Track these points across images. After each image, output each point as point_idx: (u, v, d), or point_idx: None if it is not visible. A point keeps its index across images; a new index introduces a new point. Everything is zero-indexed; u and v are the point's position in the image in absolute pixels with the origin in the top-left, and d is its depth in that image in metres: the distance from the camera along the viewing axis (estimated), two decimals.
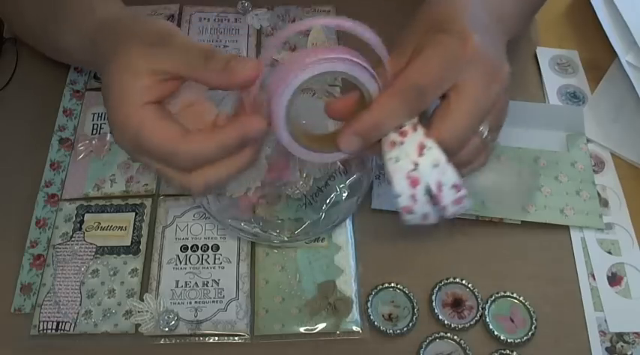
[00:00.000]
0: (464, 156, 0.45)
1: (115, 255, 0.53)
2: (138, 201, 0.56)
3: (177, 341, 0.49)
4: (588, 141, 0.60)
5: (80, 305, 0.51)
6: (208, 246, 0.53)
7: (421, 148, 0.42)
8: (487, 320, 0.50)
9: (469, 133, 0.44)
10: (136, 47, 0.42)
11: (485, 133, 0.45)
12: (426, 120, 0.44)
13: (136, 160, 0.45)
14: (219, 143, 0.41)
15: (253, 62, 0.41)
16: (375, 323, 0.50)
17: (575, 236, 0.55)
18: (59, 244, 0.53)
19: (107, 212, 0.55)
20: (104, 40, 0.47)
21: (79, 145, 0.59)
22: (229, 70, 0.40)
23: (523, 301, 0.51)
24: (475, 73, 0.43)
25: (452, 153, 0.43)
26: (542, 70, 0.65)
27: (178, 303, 0.51)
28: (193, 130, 0.42)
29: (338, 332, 0.50)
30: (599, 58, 0.66)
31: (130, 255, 0.53)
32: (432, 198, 0.43)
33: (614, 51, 0.64)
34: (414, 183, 0.42)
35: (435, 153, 0.42)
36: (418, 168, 0.42)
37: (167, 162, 0.42)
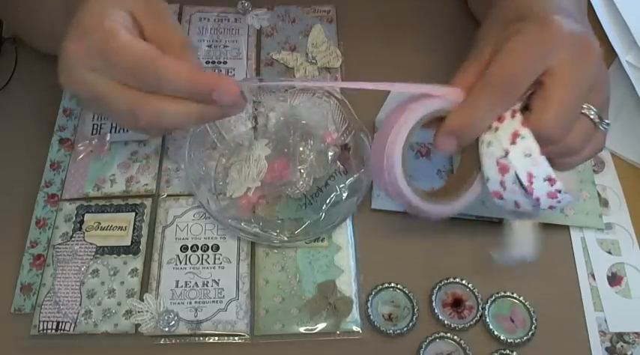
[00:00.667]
0: (573, 143, 0.43)
1: (115, 255, 0.53)
2: (138, 201, 0.56)
3: (177, 341, 0.49)
4: None
5: (80, 305, 0.51)
6: (208, 246, 0.53)
7: (515, 136, 0.41)
8: (487, 320, 0.50)
9: (571, 118, 0.42)
10: None
11: (593, 114, 0.43)
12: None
13: (82, 81, 0.42)
14: (193, 79, 0.40)
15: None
16: (375, 323, 0.50)
17: (575, 236, 0.55)
18: (59, 244, 0.53)
19: (107, 212, 0.55)
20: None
21: (79, 145, 0.59)
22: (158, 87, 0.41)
23: (523, 301, 0.51)
24: (564, 53, 0.41)
25: (556, 140, 0.42)
26: None
27: (178, 303, 0.51)
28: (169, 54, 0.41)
29: (338, 332, 0.50)
30: None
31: (130, 255, 0.53)
32: (523, 188, 0.42)
33: (614, 51, 0.64)
34: (503, 169, 0.42)
35: (527, 143, 0.41)
36: (508, 156, 0.41)
37: (134, 75, 0.40)
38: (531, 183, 0.42)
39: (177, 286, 0.51)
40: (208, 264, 0.52)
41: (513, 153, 0.41)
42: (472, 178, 0.45)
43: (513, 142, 0.41)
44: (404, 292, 0.51)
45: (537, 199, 0.42)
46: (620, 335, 0.50)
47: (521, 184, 0.42)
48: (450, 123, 0.42)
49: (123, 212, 0.55)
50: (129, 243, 0.53)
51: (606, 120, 0.44)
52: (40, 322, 0.50)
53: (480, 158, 0.43)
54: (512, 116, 0.41)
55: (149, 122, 0.43)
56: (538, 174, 0.41)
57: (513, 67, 0.41)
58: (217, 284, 0.51)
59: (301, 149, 0.55)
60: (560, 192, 0.42)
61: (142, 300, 0.51)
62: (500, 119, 0.42)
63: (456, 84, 0.44)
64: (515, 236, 0.46)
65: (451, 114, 0.42)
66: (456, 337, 0.49)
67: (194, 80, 0.40)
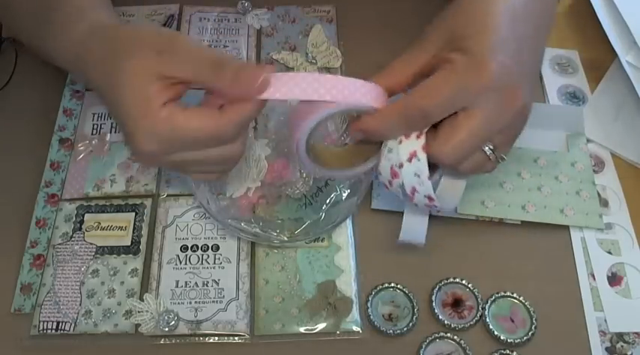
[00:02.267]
0: (464, 169, 0.45)
1: (115, 255, 0.53)
2: (138, 201, 0.56)
3: (177, 341, 0.49)
4: (588, 141, 0.60)
5: (80, 305, 0.51)
6: (208, 246, 0.53)
7: (412, 155, 0.44)
8: (487, 320, 0.50)
9: (469, 152, 0.44)
10: (141, 53, 0.42)
11: (490, 152, 0.45)
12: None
13: (164, 163, 0.45)
14: (255, 107, 0.43)
15: (261, 73, 0.41)
16: (375, 323, 0.50)
17: (575, 236, 0.55)
18: (59, 244, 0.53)
19: (107, 212, 0.55)
20: (98, 48, 0.46)
21: (79, 145, 0.59)
22: (239, 82, 0.41)
23: (523, 301, 0.51)
24: (487, 101, 0.42)
25: (450, 166, 0.45)
26: (542, 70, 0.65)
27: (178, 303, 0.51)
28: (226, 105, 0.43)
29: (338, 332, 0.49)
30: (599, 58, 0.66)
31: (130, 255, 0.53)
32: (405, 194, 0.46)
33: (614, 51, 0.64)
34: (394, 175, 0.45)
35: (420, 166, 0.44)
36: (401, 169, 0.44)
37: (213, 140, 0.43)
38: (413, 195, 0.46)
39: (177, 286, 0.51)
40: (208, 263, 0.52)
41: (406, 169, 0.44)
42: (371, 156, 0.48)
43: (409, 160, 0.44)
44: (404, 292, 0.51)
45: (415, 204, 0.47)
46: (620, 335, 0.50)
47: (404, 191, 0.46)
48: (363, 124, 0.45)
49: (123, 212, 0.55)
50: (129, 243, 0.53)
51: (503, 156, 0.46)
52: (40, 322, 0.50)
53: (380, 150, 0.46)
54: (418, 137, 0.44)
55: (239, 157, 0.47)
56: (421, 191, 0.45)
57: (434, 102, 0.42)
58: (217, 284, 0.51)
59: None
60: (436, 206, 0.46)
61: (142, 300, 0.51)
62: (406, 134, 0.44)
63: (390, 73, 0.45)
64: (405, 221, 0.51)
65: (367, 118, 0.44)
66: (456, 337, 0.49)
67: (255, 107, 0.43)
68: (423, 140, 0.44)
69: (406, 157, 0.44)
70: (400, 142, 0.44)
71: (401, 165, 0.44)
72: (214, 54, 0.43)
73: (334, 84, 0.42)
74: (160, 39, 0.43)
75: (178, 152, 0.43)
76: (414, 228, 0.51)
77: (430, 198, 0.45)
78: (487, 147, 0.44)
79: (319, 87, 0.42)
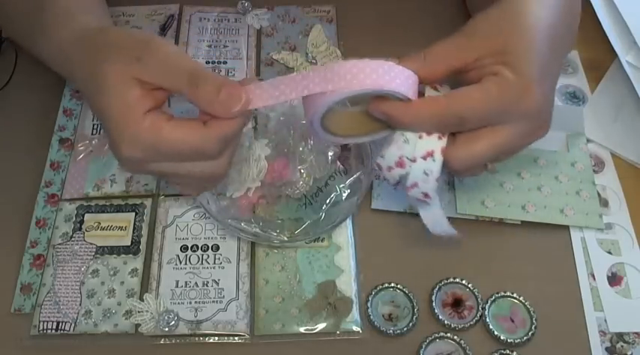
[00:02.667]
0: (462, 174, 0.47)
1: (115, 255, 0.53)
2: (138, 201, 0.56)
3: (177, 341, 0.49)
4: (588, 141, 0.60)
5: (80, 305, 0.51)
6: (208, 246, 0.53)
7: (429, 155, 0.43)
8: (487, 320, 0.50)
9: (479, 165, 0.45)
10: (120, 58, 0.41)
11: (491, 168, 0.46)
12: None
13: (146, 171, 0.44)
14: (239, 123, 0.42)
15: (244, 96, 0.41)
16: (375, 323, 0.50)
17: (575, 236, 0.55)
18: (59, 244, 0.53)
19: (107, 212, 0.55)
20: (82, 52, 0.45)
21: (79, 145, 0.59)
22: (220, 103, 0.41)
23: (523, 301, 0.51)
24: (518, 124, 0.42)
25: (455, 172, 0.45)
26: None
27: (178, 303, 0.51)
28: (211, 120, 0.42)
29: (338, 332, 0.50)
30: (599, 58, 0.66)
31: (130, 255, 0.53)
32: (403, 185, 0.46)
33: (614, 51, 0.64)
34: (400, 164, 0.44)
35: (433, 167, 0.43)
36: (412, 163, 0.44)
37: (197, 154, 0.42)
38: (412, 187, 0.45)
39: (177, 286, 0.51)
40: (208, 263, 0.52)
41: (418, 165, 0.44)
42: (381, 131, 0.46)
43: (424, 157, 0.43)
44: (404, 292, 0.51)
45: (407, 195, 0.46)
46: (620, 335, 0.50)
47: (403, 182, 0.45)
48: (391, 109, 0.42)
49: (123, 212, 0.55)
50: (129, 243, 0.53)
51: (497, 170, 0.49)
52: (40, 322, 0.50)
53: (393, 136, 0.45)
54: (440, 137, 0.43)
55: (224, 175, 0.45)
56: (421, 186, 0.45)
57: (474, 114, 0.42)
58: (217, 284, 0.51)
59: (301, 149, 0.55)
60: (427, 202, 0.47)
61: (142, 300, 0.51)
62: (429, 132, 0.43)
63: (431, 62, 0.44)
64: (426, 218, 0.50)
65: (396, 104, 0.42)
66: (456, 337, 0.49)
67: (240, 123, 0.42)
68: (444, 142, 0.43)
69: (422, 154, 0.43)
70: (420, 137, 0.43)
71: (414, 160, 0.43)
72: (192, 65, 0.41)
73: (373, 68, 0.40)
74: (138, 44, 0.42)
75: (162, 162, 0.43)
76: (437, 220, 0.50)
77: (427, 195, 0.45)
78: (491, 165, 0.45)
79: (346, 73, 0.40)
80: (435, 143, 0.43)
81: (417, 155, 0.43)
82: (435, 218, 0.49)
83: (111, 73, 0.41)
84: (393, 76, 0.41)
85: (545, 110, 0.44)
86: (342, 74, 0.40)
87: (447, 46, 0.44)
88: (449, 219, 0.54)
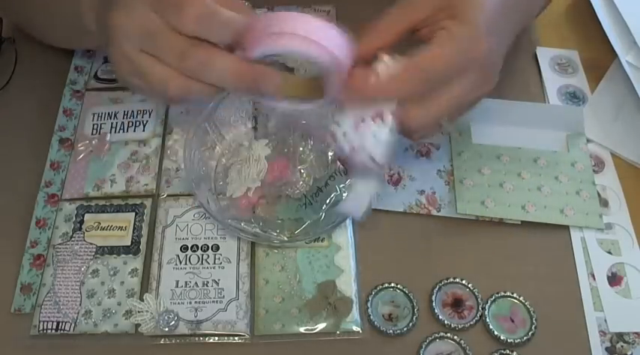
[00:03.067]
0: (417, 134, 0.46)
1: (115, 255, 0.53)
2: (138, 201, 0.56)
3: (177, 341, 0.49)
4: (588, 141, 0.60)
5: (80, 305, 0.51)
6: (208, 246, 0.53)
7: (378, 116, 0.43)
8: (487, 320, 0.50)
9: (435, 124, 0.45)
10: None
11: (445, 124, 0.46)
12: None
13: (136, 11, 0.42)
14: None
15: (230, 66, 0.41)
16: (375, 323, 0.50)
17: (575, 236, 0.55)
18: (59, 244, 0.53)
19: (107, 212, 0.55)
20: None
21: (79, 145, 0.59)
22: (201, 72, 0.41)
23: (523, 301, 0.51)
24: (471, 77, 0.43)
25: (409, 133, 0.45)
26: (542, 70, 0.65)
27: (178, 303, 0.51)
28: None
29: (338, 332, 0.49)
30: (599, 58, 0.66)
31: (130, 255, 0.53)
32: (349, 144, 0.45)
33: (614, 51, 0.64)
34: (352, 128, 0.44)
35: (381, 129, 0.43)
36: (363, 128, 0.43)
37: (204, 20, 0.40)
38: (360, 152, 0.44)
39: (177, 286, 0.51)
40: (208, 263, 0.52)
41: (366, 124, 0.43)
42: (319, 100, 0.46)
43: (374, 119, 0.43)
44: (404, 292, 0.51)
45: (353, 161, 0.45)
46: (620, 335, 0.50)
47: (350, 145, 0.44)
48: (361, 82, 0.42)
49: (123, 212, 0.55)
50: (129, 243, 0.53)
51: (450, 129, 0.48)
52: (40, 322, 0.50)
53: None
54: (383, 119, 0.43)
55: (194, 71, 0.42)
56: (370, 150, 0.43)
57: (435, 71, 0.42)
58: (217, 284, 0.51)
59: (301, 149, 0.55)
60: (372, 170, 0.45)
61: (142, 300, 0.51)
62: (375, 117, 0.43)
63: (380, 32, 0.45)
64: (351, 192, 0.49)
65: (367, 74, 0.42)
66: (456, 337, 0.49)
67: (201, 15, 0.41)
68: (394, 104, 0.43)
69: (372, 115, 0.43)
70: (363, 121, 0.43)
71: (363, 120, 0.43)
72: (184, 43, 0.41)
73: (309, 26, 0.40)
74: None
75: (165, 11, 0.41)
76: (363, 197, 0.49)
77: (374, 160, 0.44)
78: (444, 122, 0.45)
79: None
80: (386, 104, 0.43)
81: (367, 118, 0.43)
82: (364, 194, 0.48)
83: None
84: (332, 41, 0.41)
85: (491, 63, 0.44)
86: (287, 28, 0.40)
87: (394, 11, 0.45)
88: (450, 219, 0.54)
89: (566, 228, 0.55)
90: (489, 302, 0.51)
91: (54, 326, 0.50)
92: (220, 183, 0.55)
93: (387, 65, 0.42)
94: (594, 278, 0.53)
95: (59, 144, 0.59)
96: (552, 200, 0.55)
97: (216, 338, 0.50)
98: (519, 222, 0.55)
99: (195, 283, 0.51)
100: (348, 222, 0.54)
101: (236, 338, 0.49)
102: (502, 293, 0.51)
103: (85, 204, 0.56)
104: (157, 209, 0.55)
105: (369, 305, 0.51)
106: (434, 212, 0.55)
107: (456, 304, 0.51)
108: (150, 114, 0.60)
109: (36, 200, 0.56)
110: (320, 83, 0.45)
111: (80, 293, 0.51)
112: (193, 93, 0.43)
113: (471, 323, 0.50)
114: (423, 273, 0.52)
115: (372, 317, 0.50)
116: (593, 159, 0.59)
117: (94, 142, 0.59)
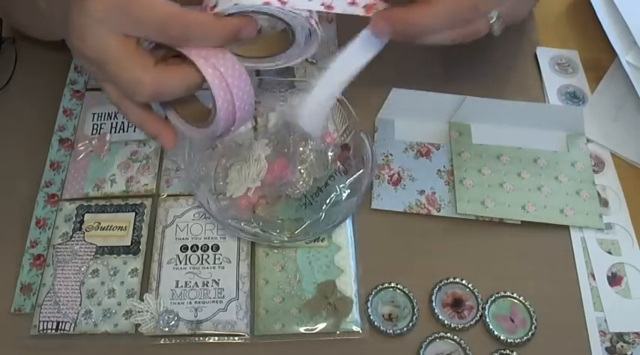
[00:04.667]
0: (457, 34, 0.48)
1: (115, 255, 0.53)
2: (138, 201, 0.56)
3: (177, 341, 0.49)
4: (588, 141, 0.60)
5: (80, 305, 0.51)
6: (208, 246, 0.53)
7: None
8: (487, 320, 0.50)
9: (444, 28, 0.47)
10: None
11: (494, 19, 0.48)
12: None
13: (96, 33, 0.40)
14: (222, 23, 0.42)
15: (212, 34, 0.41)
16: (375, 323, 0.50)
17: (575, 236, 0.55)
18: (59, 244, 0.53)
19: (107, 212, 0.55)
20: None
21: (79, 145, 0.59)
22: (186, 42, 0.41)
23: (523, 301, 0.51)
24: None
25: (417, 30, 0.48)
26: (542, 70, 0.65)
27: (178, 303, 0.51)
28: None
29: (338, 332, 0.49)
30: (599, 58, 0.66)
31: (130, 255, 0.53)
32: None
33: (614, 51, 0.64)
34: None
35: None
36: None
37: (160, 28, 0.40)
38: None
39: (177, 286, 0.51)
40: (208, 263, 0.52)
41: None
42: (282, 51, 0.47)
43: None
44: (404, 292, 0.51)
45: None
46: (620, 335, 0.50)
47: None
48: (408, 17, 0.46)
49: (123, 212, 0.55)
50: (129, 243, 0.53)
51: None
52: (40, 322, 0.50)
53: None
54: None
55: (177, 38, 0.42)
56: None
57: None
58: (217, 284, 0.51)
59: (301, 149, 0.55)
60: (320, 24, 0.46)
61: (142, 300, 0.51)
62: None
63: None
64: (302, 107, 0.47)
65: (406, 14, 0.46)
66: (456, 337, 0.49)
67: (223, 24, 0.42)
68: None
69: None
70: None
71: None
72: (163, 13, 0.40)
73: None
74: None
75: (119, 27, 0.40)
76: (313, 115, 0.47)
77: (329, 7, 0.46)
78: (492, 13, 0.48)
79: None
80: None
81: None
82: (319, 108, 0.47)
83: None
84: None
85: None
86: None
87: None
88: (450, 219, 0.54)
89: (566, 228, 0.55)
90: (489, 302, 0.51)
91: (54, 326, 0.50)
92: (220, 183, 0.55)
93: None
94: (594, 278, 0.53)
95: (59, 144, 0.59)
96: (552, 200, 0.55)
97: (216, 338, 0.50)
98: (519, 222, 0.55)
99: (195, 283, 0.51)
100: (348, 222, 0.54)
101: (236, 338, 0.49)
102: (502, 293, 0.51)
103: (85, 204, 0.56)
104: (156, 209, 0.55)
105: (369, 305, 0.51)
106: (434, 212, 0.55)
107: (456, 304, 0.51)
108: None
109: (36, 200, 0.56)
110: (287, 35, 0.46)
111: (80, 293, 0.51)
112: (168, 88, 0.42)
113: (471, 323, 0.50)
114: (422, 273, 0.52)
115: (372, 317, 0.50)
116: (593, 159, 0.59)
117: (94, 142, 0.59)
